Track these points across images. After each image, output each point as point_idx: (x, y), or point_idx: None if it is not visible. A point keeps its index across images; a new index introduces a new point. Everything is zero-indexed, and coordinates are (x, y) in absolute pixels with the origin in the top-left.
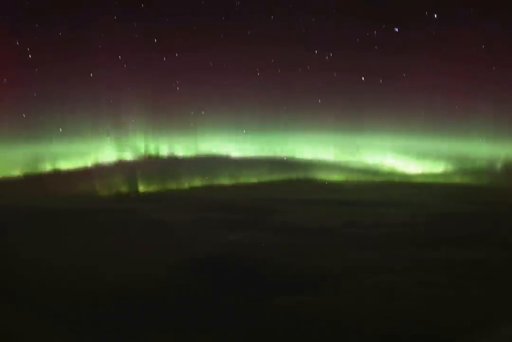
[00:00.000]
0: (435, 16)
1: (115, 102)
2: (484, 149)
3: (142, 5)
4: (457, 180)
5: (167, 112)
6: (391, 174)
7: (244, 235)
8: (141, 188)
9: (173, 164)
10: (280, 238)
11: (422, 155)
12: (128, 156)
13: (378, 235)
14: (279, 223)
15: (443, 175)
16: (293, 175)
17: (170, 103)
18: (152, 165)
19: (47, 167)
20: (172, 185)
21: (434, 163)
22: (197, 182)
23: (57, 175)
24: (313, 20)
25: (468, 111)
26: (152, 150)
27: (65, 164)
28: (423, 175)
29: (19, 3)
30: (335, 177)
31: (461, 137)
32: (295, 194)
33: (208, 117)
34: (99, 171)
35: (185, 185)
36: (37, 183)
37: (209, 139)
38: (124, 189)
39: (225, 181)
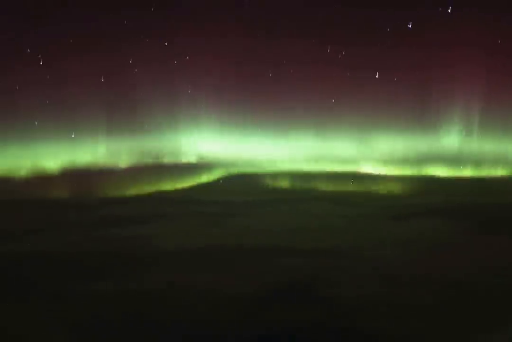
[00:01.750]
0: (449, 10)
1: (127, 107)
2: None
3: (152, 9)
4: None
5: (179, 115)
6: None
7: None
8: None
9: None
10: None
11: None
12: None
13: None
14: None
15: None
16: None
17: (182, 107)
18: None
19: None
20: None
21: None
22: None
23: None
24: (325, 17)
25: (487, 108)
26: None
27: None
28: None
29: (27, 12)
30: None
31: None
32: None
33: (218, 119)
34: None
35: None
36: None
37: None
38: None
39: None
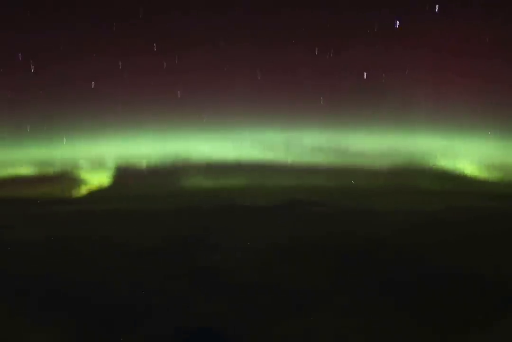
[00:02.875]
0: (436, 8)
1: (118, 111)
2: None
3: (140, 15)
4: None
5: (170, 118)
6: None
7: None
8: None
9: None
10: None
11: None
12: None
13: None
14: None
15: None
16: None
17: (172, 110)
18: None
19: None
20: None
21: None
22: None
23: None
24: (312, 19)
25: (474, 106)
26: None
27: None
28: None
29: (19, 17)
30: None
31: (467, 131)
32: None
33: (209, 122)
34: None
35: None
36: None
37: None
38: None
39: None
